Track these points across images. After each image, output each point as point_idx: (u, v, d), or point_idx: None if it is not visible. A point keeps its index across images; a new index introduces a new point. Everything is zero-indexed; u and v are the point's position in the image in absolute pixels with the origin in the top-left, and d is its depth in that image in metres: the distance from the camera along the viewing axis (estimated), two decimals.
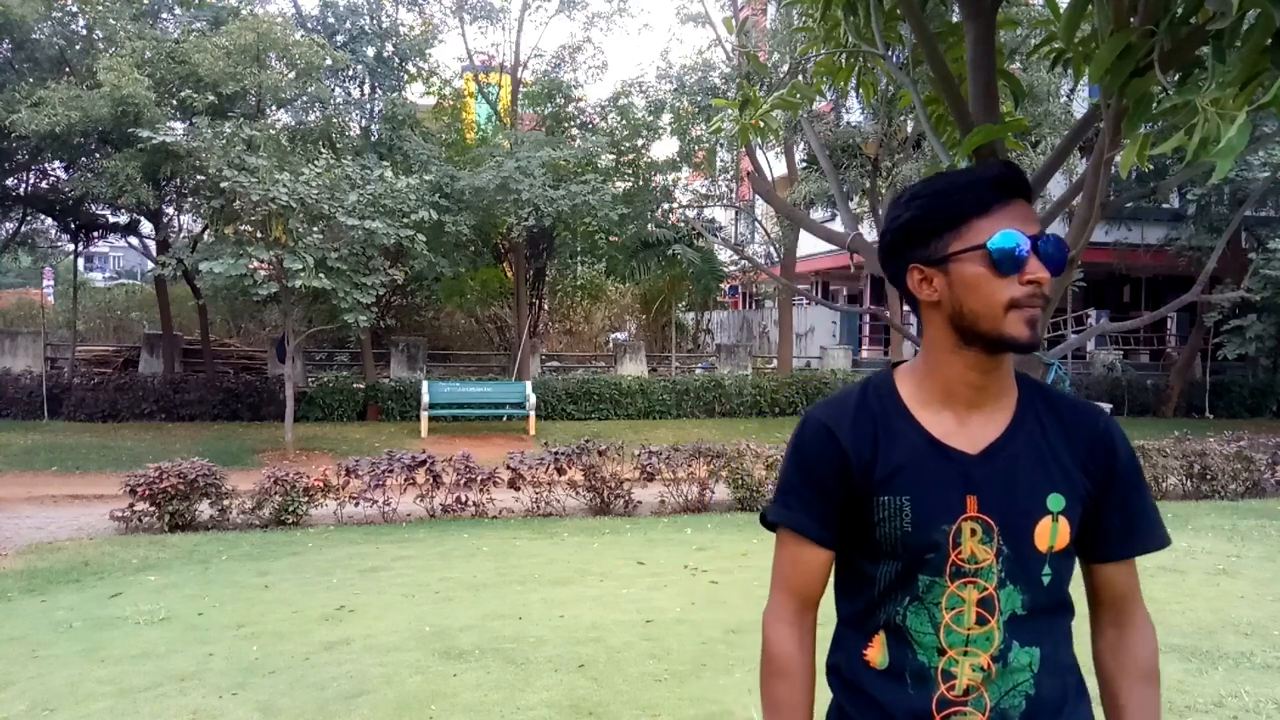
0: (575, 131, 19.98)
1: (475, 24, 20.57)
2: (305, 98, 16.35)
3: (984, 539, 1.20)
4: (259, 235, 13.10)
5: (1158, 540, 1.29)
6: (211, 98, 13.44)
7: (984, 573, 1.21)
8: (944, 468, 1.23)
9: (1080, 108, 12.79)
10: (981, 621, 1.21)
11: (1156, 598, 5.68)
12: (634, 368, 18.89)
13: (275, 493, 8.81)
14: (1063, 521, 1.22)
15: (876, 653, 1.26)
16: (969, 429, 1.24)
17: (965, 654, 1.20)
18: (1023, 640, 1.21)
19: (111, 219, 18.02)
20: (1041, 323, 1.16)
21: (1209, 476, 10.12)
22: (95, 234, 19.31)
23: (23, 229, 18.64)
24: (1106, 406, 18.51)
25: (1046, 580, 1.22)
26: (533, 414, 16.27)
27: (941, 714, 1.20)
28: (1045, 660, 1.22)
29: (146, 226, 18.54)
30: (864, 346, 24.62)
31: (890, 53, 2.23)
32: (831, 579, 1.34)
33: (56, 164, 16.66)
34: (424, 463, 9.21)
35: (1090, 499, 1.25)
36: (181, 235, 18.47)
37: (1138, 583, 1.32)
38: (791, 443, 1.32)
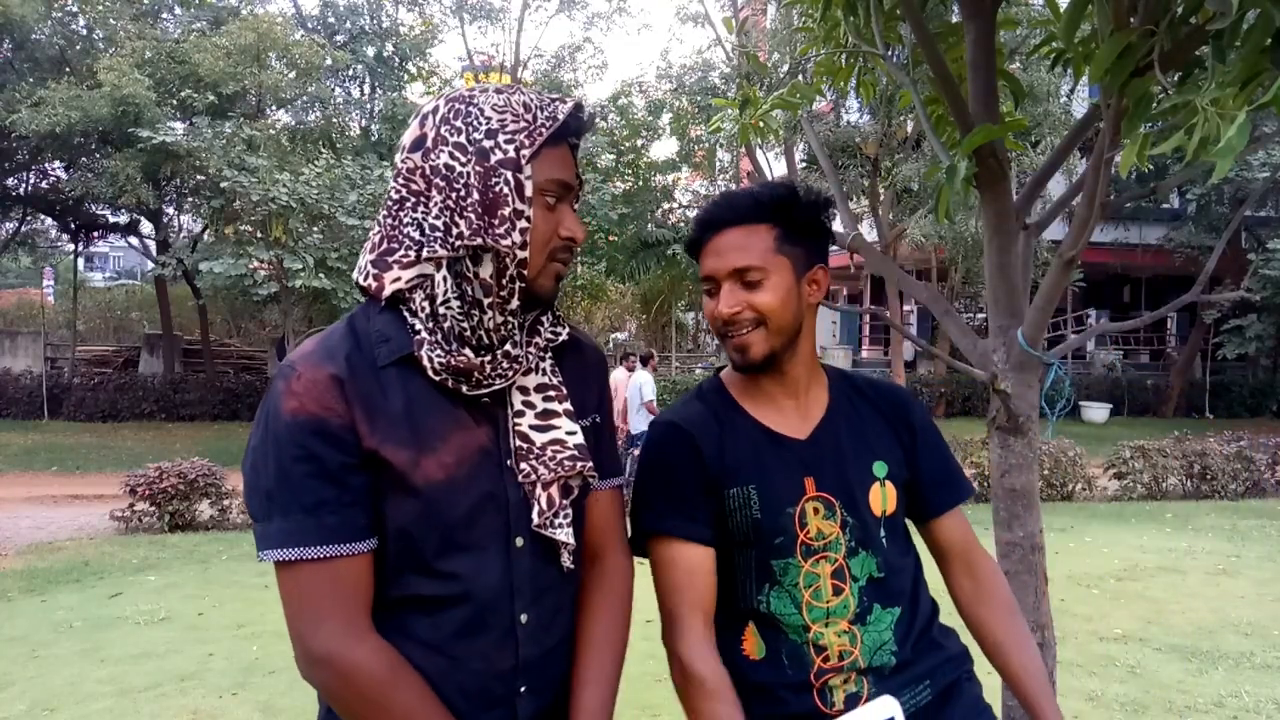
0: None
1: (475, 24, 20.67)
2: (305, 98, 16.37)
3: (827, 515, 1.29)
4: (259, 235, 13.11)
5: (965, 490, 1.42)
6: (211, 98, 13.46)
7: (832, 545, 1.28)
8: (781, 454, 1.31)
9: (1080, 108, 12.79)
10: (838, 591, 1.28)
11: (1156, 598, 5.68)
12: None
13: None
14: (889, 486, 1.33)
15: (751, 643, 1.31)
16: (791, 418, 1.35)
17: (828, 624, 1.27)
18: (884, 602, 1.30)
19: (111, 219, 18.05)
20: (768, 341, 1.31)
21: (1209, 476, 10.11)
22: (95, 234, 19.35)
23: (23, 229, 18.69)
24: (1106, 407, 18.56)
25: (886, 542, 1.32)
26: None
27: (820, 681, 1.25)
28: (904, 616, 1.31)
29: (146, 226, 18.57)
30: (864, 346, 24.59)
31: (890, 53, 2.23)
32: None
33: (56, 164, 16.70)
34: None
35: (906, 463, 1.37)
36: (181, 235, 18.49)
37: (970, 528, 1.43)
38: (648, 453, 1.33)
